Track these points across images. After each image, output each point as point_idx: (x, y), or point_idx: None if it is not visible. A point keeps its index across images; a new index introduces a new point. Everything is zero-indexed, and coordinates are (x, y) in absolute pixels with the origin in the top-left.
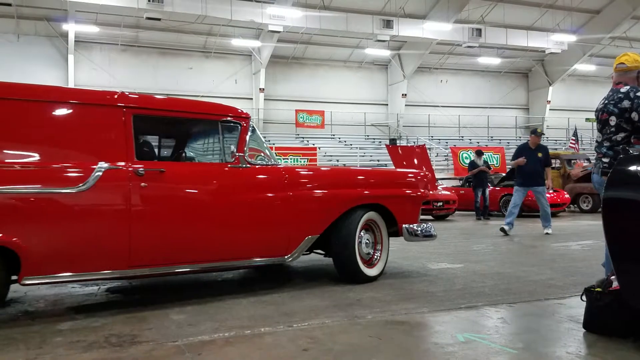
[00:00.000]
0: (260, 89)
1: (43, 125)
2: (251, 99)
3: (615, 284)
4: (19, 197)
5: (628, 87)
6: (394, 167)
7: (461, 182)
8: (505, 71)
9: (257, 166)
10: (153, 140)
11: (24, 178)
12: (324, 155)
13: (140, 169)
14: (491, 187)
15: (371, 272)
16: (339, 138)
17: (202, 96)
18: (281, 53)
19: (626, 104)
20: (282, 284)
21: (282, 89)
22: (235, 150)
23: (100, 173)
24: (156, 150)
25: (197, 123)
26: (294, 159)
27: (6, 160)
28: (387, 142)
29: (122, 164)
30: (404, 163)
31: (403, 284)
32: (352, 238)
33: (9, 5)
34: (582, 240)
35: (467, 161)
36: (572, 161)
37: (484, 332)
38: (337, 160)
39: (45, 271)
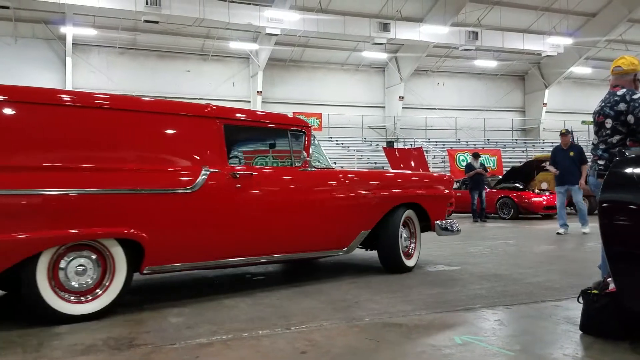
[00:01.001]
0: (257, 91)
1: (159, 134)
2: (249, 101)
3: (611, 286)
4: (143, 196)
5: (624, 90)
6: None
7: (458, 184)
8: (501, 74)
9: (321, 169)
10: (238, 146)
11: (147, 180)
12: None
13: (235, 172)
14: (488, 190)
15: (409, 262)
16: (337, 140)
17: (200, 99)
18: (279, 56)
19: (622, 106)
20: (280, 286)
21: (280, 92)
22: (303, 156)
23: (205, 177)
24: (241, 156)
25: (271, 131)
26: None
27: (131, 165)
28: (384, 144)
29: (218, 169)
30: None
31: (400, 286)
32: (396, 233)
33: (7, 8)
34: (579, 242)
35: (464, 163)
36: None
37: (481, 334)
38: (335, 163)
39: (163, 261)
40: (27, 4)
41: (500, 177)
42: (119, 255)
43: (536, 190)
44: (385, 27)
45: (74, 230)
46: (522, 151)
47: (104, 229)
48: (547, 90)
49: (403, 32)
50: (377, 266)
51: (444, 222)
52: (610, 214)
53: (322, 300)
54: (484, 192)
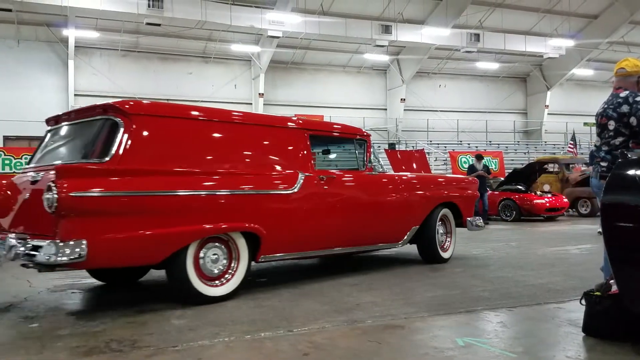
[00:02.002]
0: (259, 94)
1: (268, 143)
2: (250, 104)
3: (614, 288)
4: (260, 196)
5: (627, 92)
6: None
7: None
8: (503, 76)
9: (381, 173)
10: (317, 152)
11: (263, 183)
12: None
13: (322, 176)
14: (490, 192)
15: (445, 255)
16: None
17: (202, 101)
18: (280, 58)
19: (625, 108)
20: (282, 288)
21: (282, 94)
22: (369, 161)
23: (302, 180)
24: (320, 161)
25: (341, 140)
26: None
27: (250, 170)
28: (386, 146)
29: (309, 173)
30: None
31: (402, 288)
32: (433, 229)
33: (10, 10)
34: (581, 244)
35: (466, 165)
36: (571, 165)
37: (483, 336)
38: (336, 165)
39: (273, 251)
40: (30, 6)
41: (502, 179)
42: (243, 246)
43: (538, 192)
44: (387, 30)
45: (212, 225)
46: (524, 153)
47: (233, 223)
48: (549, 92)
49: (405, 35)
50: (379, 268)
51: (474, 218)
52: (613, 216)
53: (324, 303)
54: (486, 194)
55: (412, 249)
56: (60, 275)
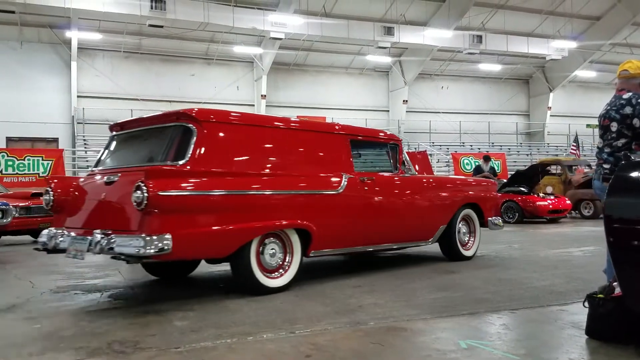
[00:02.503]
0: (262, 95)
1: (317, 147)
2: (253, 105)
3: (617, 291)
4: (310, 196)
5: (630, 93)
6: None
7: None
8: (505, 77)
9: (412, 175)
10: (356, 156)
11: (313, 183)
12: None
13: (362, 178)
14: None
15: (467, 253)
16: None
17: (204, 103)
18: (283, 60)
19: (628, 110)
20: (284, 290)
21: (284, 96)
22: (402, 164)
23: (346, 181)
24: (359, 164)
25: (376, 144)
26: None
27: (303, 172)
28: None
29: (352, 175)
30: None
31: (404, 289)
32: (454, 228)
33: (13, 12)
34: (584, 246)
35: (468, 167)
36: (573, 167)
37: (486, 338)
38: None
39: (322, 247)
40: (33, 8)
41: (505, 180)
42: (296, 242)
43: (541, 194)
44: (389, 31)
45: (272, 222)
46: (527, 155)
47: (289, 221)
48: (551, 94)
49: (407, 36)
50: (381, 270)
51: (494, 218)
52: (616, 218)
53: (326, 304)
54: None
55: (413, 251)
56: (62, 277)
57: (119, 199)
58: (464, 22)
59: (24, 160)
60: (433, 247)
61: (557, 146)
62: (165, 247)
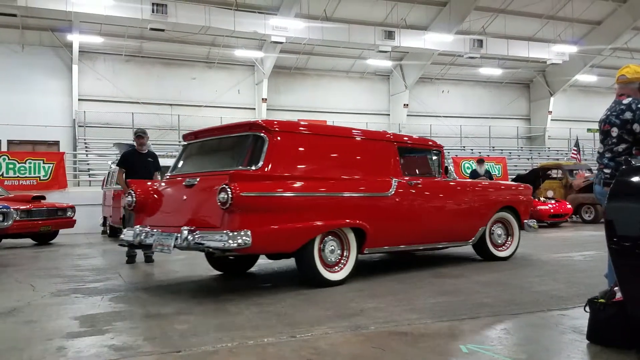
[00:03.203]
0: (262, 99)
1: (370, 153)
2: (254, 109)
3: (618, 295)
4: (364, 198)
5: (630, 99)
6: None
7: None
8: (506, 82)
9: (453, 180)
10: (402, 161)
11: (368, 186)
12: None
13: (410, 181)
14: None
15: (501, 254)
16: None
17: (205, 106)
18: (284, 63)
19: (628, 115)
20: (285, 294)
21: (285, 99)
22: (443, 169)
23: (395, 184)
24: (405, 169)
25: (420, 150)
26: None
27: (358, 176)
28: None
29: (400, 179)
30: None
31: (405, 294)
32: (485, 230)
33: (14, 15)
34: (585, 250)
35: (469, 171)
36: (574, 172)
37: (487, 343)
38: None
39: (375, 245)
40: (34, 11)
41: None
42: (352, 240)
43: (542, 199)
44: (390, 35)
45: (333, 221)
46: (528, 159)
47: (347, 220)
48: (552, 98)
49: (408, 40)
50: (381, 274)
51: (530, 221)
52: (617, 223)
53: (327, 308)
54: None
55: (416, 257)
56: (63, 280)
57: (201, 200)
58: (464, 27)
59: (24, 163)
60: (431, 254)
61: (557, 150)
62: (246, 242)
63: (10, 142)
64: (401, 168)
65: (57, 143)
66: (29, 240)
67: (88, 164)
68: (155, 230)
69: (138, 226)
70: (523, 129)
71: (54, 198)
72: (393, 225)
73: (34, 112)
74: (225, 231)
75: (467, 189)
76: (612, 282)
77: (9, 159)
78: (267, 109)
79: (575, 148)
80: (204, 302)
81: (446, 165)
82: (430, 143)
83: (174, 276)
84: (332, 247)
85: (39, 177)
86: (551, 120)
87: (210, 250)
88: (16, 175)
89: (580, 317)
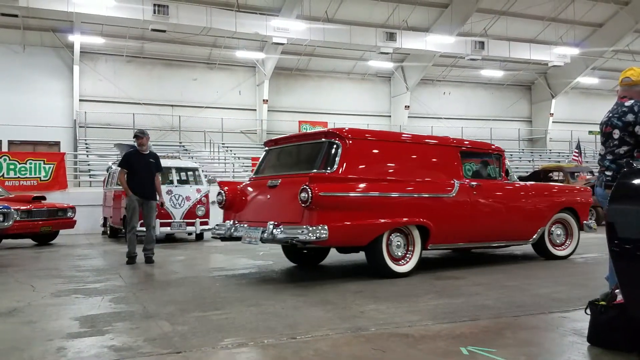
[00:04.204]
0: (264, 100)
1: (434, 157)
2: (255, 110)
3: (619, 298)
4: (428, 198)
5: (632, 101)
6: None
7: None
8: (508, 84)
9: (514, 182)
10: (464, 164)
11: (432, 188)
12: None
13: (472, 183)
14: None
15: (560, 253)
16: None
17: (206, 107)
18: (285, 65)
19: (630, 117)
20: (286, 296)
21: (286, 101)
22: (504, 172)
23: (458, 186)
24: (467, 171)
25: (482, 154)
26: None
27: (423, 178)
28: None
29: (462, 181)
30: None
31: (406, 296)
32: (545, 230)
33: (16, 16)
34: (586, 253)
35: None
36: (576, 174)
37: (488, 345)
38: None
39: (437, 242)
40: (36, 12)
41: None
42: (417, 236)
43: None
44: (391, 37)
45: (399, 219)
46: (529, 161)
47: (412, 218)
48: (553, 100)
49: (409, 42)
50: (381, 277)
51: (589, 222)
52: (618, 225)
53: (327, 310)
54: None
55: None
56: (63, 280)
57: (283, 198)
58: (466, 28)
59: (25, 163)
60: (434, 253)
61: (559, 152)
62: (324, 236)
63: (11, 143)
64: (463, 171)
65: (57, 143)
66: (29, 241)
67: (89, 165)
68: (243, 224)
69: (228, 221)
70: (524, 131)
71: (54, 198)
72: (455, 224)
73: (34, 112)
74: (305, 226)
75: (527, 191)
76: (613, 285)
77: (9, 160)
78: (268, 110)
79: (577, 150)
80: (204, 303)
81: (507, 167)
82: (491, 147)
83: (174, 277)
84: (399, 243)
85: (40, 177)
86: (553, 122)
87: (292, 242)
88: (17, 176)
89: (581, 320)
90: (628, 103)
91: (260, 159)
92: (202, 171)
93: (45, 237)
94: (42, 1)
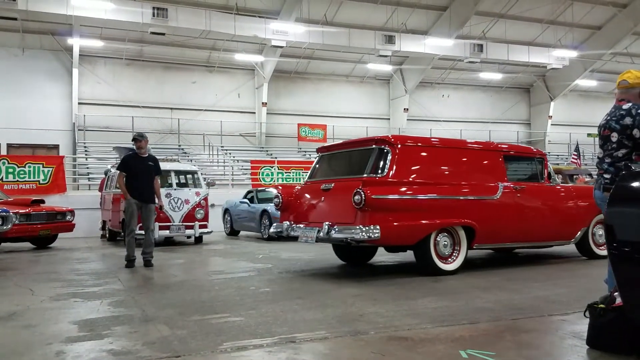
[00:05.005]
0: (263, 103)
1: (479, 162)
2: (254, 112)
3: (618, 301)
4: (474, 200)
5: (630, 104)
6: None
7: None
8: (506, 86)
9: (556, 184)
10: (508, 168)
11: (477, 191)
12: None
13: (515, 186)
14: None
15: (603, 252)
16: None
17: (205, 110)
18: (284, 68)
19: (628, 120)
20: (285, 299)
21: (285, 103)
22: (547, 175)
23: (502, 189)
24: (511, 175)
25: (524, 158)
26: (296, 172)
27: (469, 181)
28: None
29: (506, 184)
30: None
31: (405, 299)
32: (587, 231)
33: (15, 19)
34: (585, 256)
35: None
36: (574, 176)
37: (487, 348)
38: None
39: (482, 241)
40: (35, 15)
41: None
42: (463, 236)
43: None
44: (390, 40)
45: (446, 220)
46: None
47: (458, 219)
48: (552, 103)
49: (408, 45)
50: (382, 279)
51: None
52: (617, 228)
53: (326, 313)
54: None
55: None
56: (62, 284)
57: (337, 201)
58: (464, 31)
59: (24, 167)
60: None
61: (558, 155)
62: (376, 235)
63: (10, 146)
64: (507, 174)
65: (56, 147)
66: (28, 244)
67: (88, 168)
68: (299, 225)
69: (286, 222)
70: (523, 134)
71: (53, 202)
72: (499, 225)
73: (34, 115)
74: (358, 226)
75: (569, 193)
76: (612, 288)
77: (8, 163)
78: (267, 113)
79: (576, 153)
80: (203, 307)
81: (550, 171)
82: (533, 151)
83: (173, 280)
84: (446, 242)
85: (39, 181)
86: (551, 124)
87: (347, 241)
88: (16, 179)
89: (581, 323)
90: (626, 106)
91: (313, 165)
92: (201, 174)
93: (44, 240)
94: (41, 4)
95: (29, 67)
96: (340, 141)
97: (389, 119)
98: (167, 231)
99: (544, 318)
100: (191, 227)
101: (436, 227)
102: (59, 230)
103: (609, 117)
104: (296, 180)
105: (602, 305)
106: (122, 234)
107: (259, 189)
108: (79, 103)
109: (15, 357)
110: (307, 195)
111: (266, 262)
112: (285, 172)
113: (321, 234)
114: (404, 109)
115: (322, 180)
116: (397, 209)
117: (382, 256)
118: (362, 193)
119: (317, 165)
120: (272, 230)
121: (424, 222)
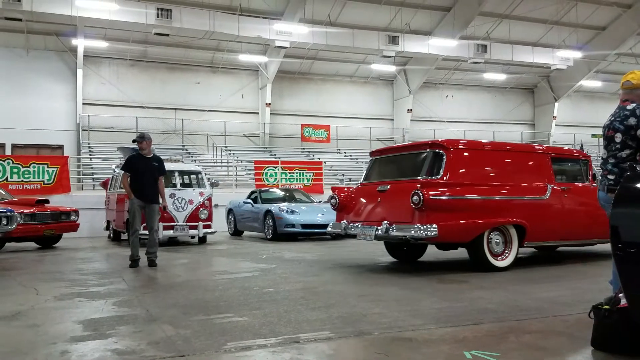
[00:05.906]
0: (266, 103)
1: (528, 164)
2: (257, 113)
3: (623, 302)
4: (524, 200)
5: (634, 104)
6: None
7: None
8: (510, 87)
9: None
10: (555, 169)
11: (528, 191)
12: (330, 170)
13: (563, 187)
14: None
15: None
16: (345, 152)
17: (209, 111)
18: (288, 68)
19: (632, 121)
20: (289, 299)
21: (289, 104)
22: (591, 176)
23: (550, 190)
24: (557, 176)
25: (569, 160)
26: (300, 173)
27: (519, 182)
28: None
29: (554, 185)
30: None
31: (409, 300)
32: None
33: (19, 20)
34: (589, 257)
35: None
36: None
37: (491, 349)
38: (343, 175)
39: (533, 240)
40: (39, 16)
41: None
42: (514, 235)
43: None
44: (394, 40)
45: (498, 219)
46: None
47: (510, 219)
48: (556, 104)
49: (412, 45)
50: (385, 280)
51: None
52: (622, 229)
53: (330, 314)
54: None
55: (417, 264)
56: (66, 284)
57: (394, 201)
58: (468, 32)
59: (29, 167)
60: (439, 257)
61: None
62: (434, 233)
63: (14, 146)
64: (554, 176)
65: (61, 147)
66: (32, 244)
67: (92, 168)
68: (356, 224)
69: (343, 221)
70: (527, 134)
71: (57, 202)
72: (548, 224)
73: (38, 116)
74: (417, 225)
75: None
76: (617, 289)
77: (13, 163)
78: (270, 114)
79: None
80: (207, 307)
81: (594, 172)
82: (578, 154)
83: (177, 280)
84: (498, 240)
85: (43, 181)
86: (556, 125)
87: (406, 239)
88: (20, 179)
89: (585, 324)
90: (630, 106)
91: (367, 167)
92: (205, 174)
93: (48, 240)
94: (45, 5)
95: (34, 68)
96: (393, 145)
97: (392, 119)
98: (171, 231)
99: (548, 319)
100: (195, 227)
101: (489, 226)
102: (64, 230)
103: (613, 118)
104: (299, 181)
105: (606, 307)
106: (126, 233)
107: (263, 189)
108: (84, 103)
109: (19, 357)
110: (363, 196)
111: (270, 262)
112: (289, 173)
113: (379, 232)
114: (408, 109)
115: (377, 182)
116: (453, 209)
117: (384, 257)
118: (420, 194)
119: (371, 168)
120: (329, 229)
121: (477, 221)
